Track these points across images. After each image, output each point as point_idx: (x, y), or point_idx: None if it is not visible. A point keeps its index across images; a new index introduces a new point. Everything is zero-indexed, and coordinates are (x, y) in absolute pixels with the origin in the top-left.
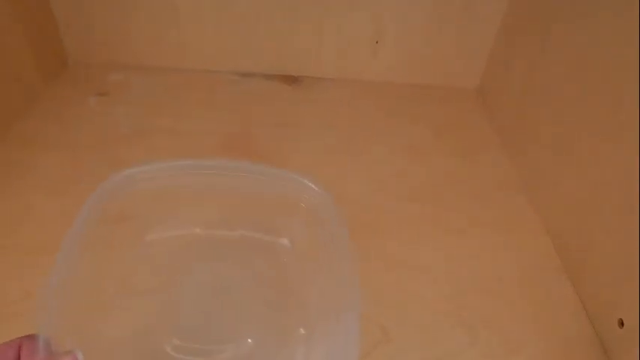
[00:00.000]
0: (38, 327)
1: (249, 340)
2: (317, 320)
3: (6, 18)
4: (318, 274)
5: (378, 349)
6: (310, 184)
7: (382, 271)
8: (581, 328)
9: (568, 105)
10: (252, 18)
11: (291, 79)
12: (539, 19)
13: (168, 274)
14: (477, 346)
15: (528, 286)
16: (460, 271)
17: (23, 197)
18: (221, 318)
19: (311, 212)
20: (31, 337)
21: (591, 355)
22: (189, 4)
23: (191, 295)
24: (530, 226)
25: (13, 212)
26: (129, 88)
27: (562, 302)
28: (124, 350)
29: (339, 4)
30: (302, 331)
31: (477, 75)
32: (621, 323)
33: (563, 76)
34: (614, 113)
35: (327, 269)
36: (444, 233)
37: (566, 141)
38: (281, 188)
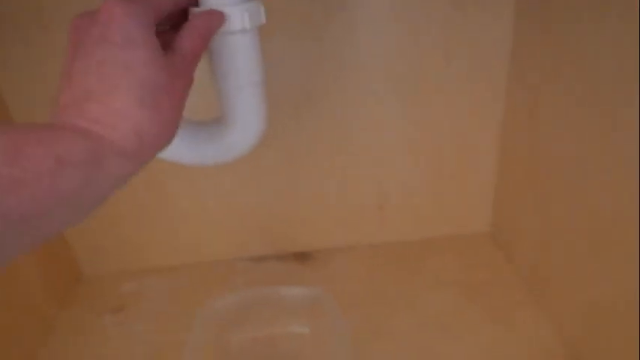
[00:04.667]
0: None
1: None
2: None
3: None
4: None
5: None
6: None
7: None
8: None
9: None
10: (255, 203)
11: (303, 257)
12: (537, 156)
13: None
14: None
15: None
16: None
17: None
18: None
19: None
20: None
21: None
22: (195, 205)
23: None
24: None
25: None
26: (143, 298)
27: None
28: None
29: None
30: None
31: (488, 218)
32: None
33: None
34: None
35: None
36: None
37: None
38: None
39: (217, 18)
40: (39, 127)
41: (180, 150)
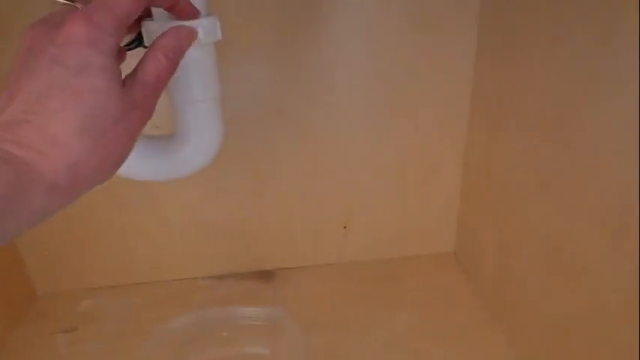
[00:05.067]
0: None
1: None
2: None
3: None
4: None
5: None
6: None
7: None
8: None
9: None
10: (218, 220)
11: (266, 275)
12: (495, 182)
13: None
14: None
15: None
16: None
17: None
18: None
19: None
20: None
21: None
22: (155, 220)
23: None
24: None
25: None
26: (99, 318)
27: None
28: None
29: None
30: None
31: (451, 239)
32: None
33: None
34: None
35: None
36: None
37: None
38: None
39: (186, 34)
40: None
41: (133, 165)
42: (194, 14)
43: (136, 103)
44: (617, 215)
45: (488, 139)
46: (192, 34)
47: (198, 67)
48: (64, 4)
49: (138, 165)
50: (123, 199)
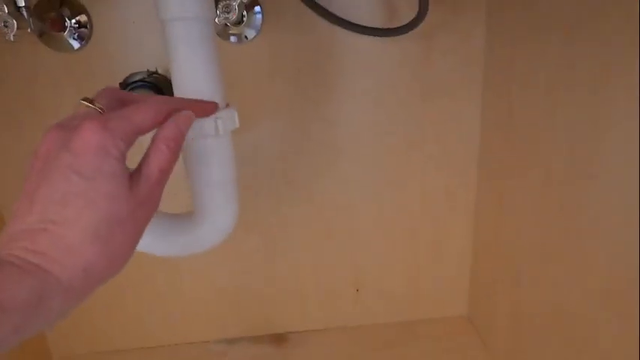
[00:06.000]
0: None
1: None
2: None
3: None
4: None
5: None
6: None
7: None
8: None
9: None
10: (231, 284)
11: (278, 339)
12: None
13: None
14: None
15: None
16: None
17: None
18: None
19: None
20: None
21: None
22: (169, 285)
23: None
24: None
25: None
26: None
27: None
28: None
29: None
30: None
31: (464, 302)
32: None
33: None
34: None
35: None
36: None
37: None
38: None
39: (184, 120)
40: None
41: (153, 243)
42: (211, 110)
43: (142, 200)
44: (620, 288)
45: (498, 205)
46: (189, 119)
47: (215, 155)
48: (87, 106)
49: (158, 243)
50: (138, 264)
